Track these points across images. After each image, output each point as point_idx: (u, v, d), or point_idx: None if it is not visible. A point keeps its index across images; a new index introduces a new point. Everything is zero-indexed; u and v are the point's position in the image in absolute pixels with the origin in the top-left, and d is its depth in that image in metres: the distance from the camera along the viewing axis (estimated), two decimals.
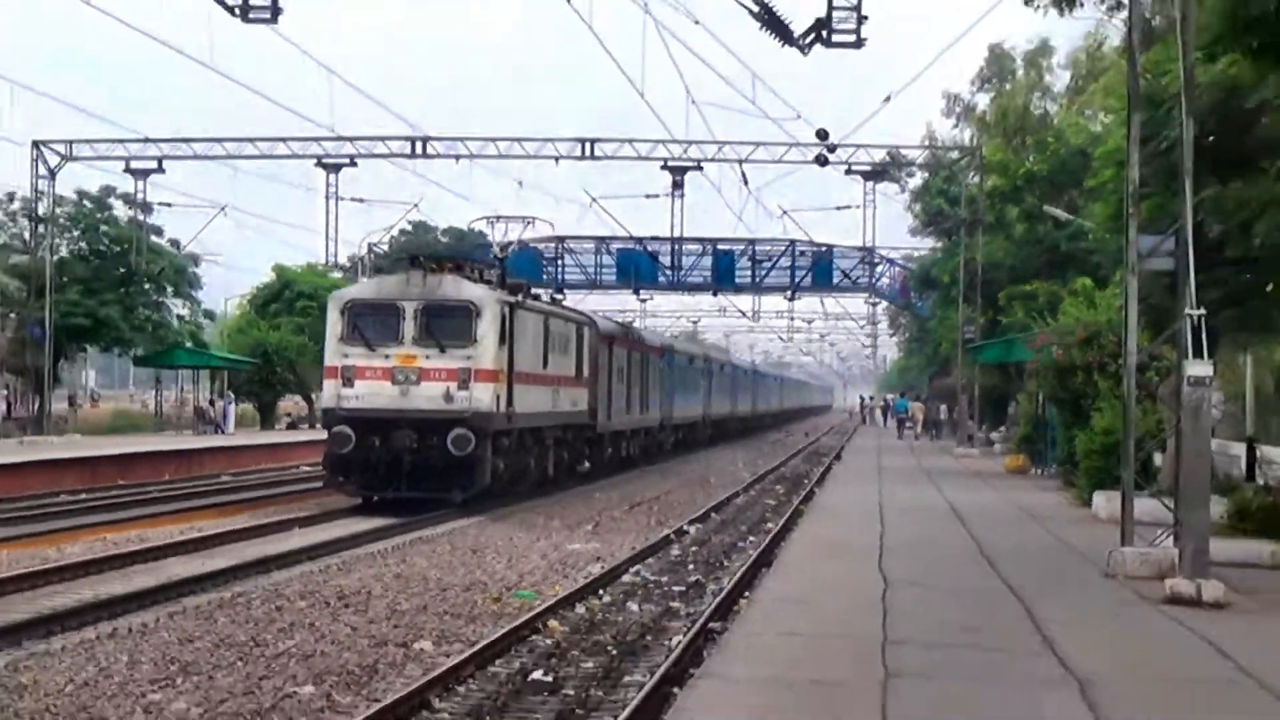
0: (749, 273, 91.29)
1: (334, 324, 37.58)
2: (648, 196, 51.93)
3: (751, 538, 37.53)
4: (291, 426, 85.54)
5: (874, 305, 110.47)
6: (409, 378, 35.88)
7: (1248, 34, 25.50)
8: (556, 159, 54.23)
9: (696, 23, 43.54)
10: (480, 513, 36.77)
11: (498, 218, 48.94)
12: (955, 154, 72.80)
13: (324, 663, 19.48)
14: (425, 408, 35.78)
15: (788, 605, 22.47)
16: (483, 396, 35.93)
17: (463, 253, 54.30)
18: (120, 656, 19.66)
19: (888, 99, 47.36)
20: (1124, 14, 34.06)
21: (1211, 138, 26.96)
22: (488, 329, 36.68)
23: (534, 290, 48.25)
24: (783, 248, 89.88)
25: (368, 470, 36.10)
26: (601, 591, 27.39)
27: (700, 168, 55.49)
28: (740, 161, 62.93)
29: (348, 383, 36.27)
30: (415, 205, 44.77)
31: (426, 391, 35.82)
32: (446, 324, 36.84)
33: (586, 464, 53.17)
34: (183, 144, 72.01)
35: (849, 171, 72.41)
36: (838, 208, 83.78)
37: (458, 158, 54.32)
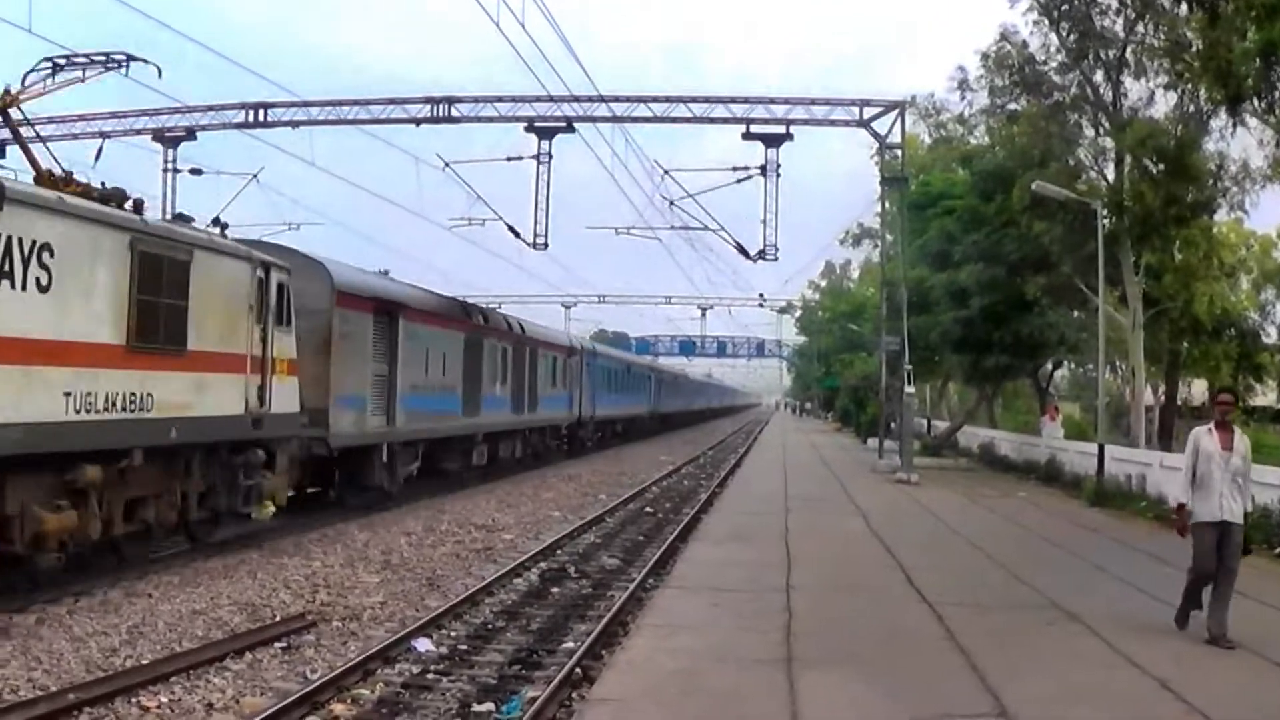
0: (731, 350, 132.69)
1: None
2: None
3: (734, 454, 52.77)
4: None
5: (782, 362, 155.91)
6: None
7: (924, 259, 40.60)
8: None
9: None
10: None
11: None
12: (814, 304, 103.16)
13: (561, 504, 29.74)
14: None
15: (744, 483, 34.72)
16: None
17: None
18: (481, 501, 29.12)
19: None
20: (878, 249, 50.94)
21: (914, 298, 39.16)
22: None
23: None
24: (745, 342, 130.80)
25: None
26: (673, 474, 39.68)
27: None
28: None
29: None
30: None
31: None
32: None
33: (269, 505, 21.37)
34: None
35: (780, 311, 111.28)
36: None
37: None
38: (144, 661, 11.79)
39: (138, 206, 16.86)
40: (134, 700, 10.52)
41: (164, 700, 10.61)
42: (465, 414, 32.32)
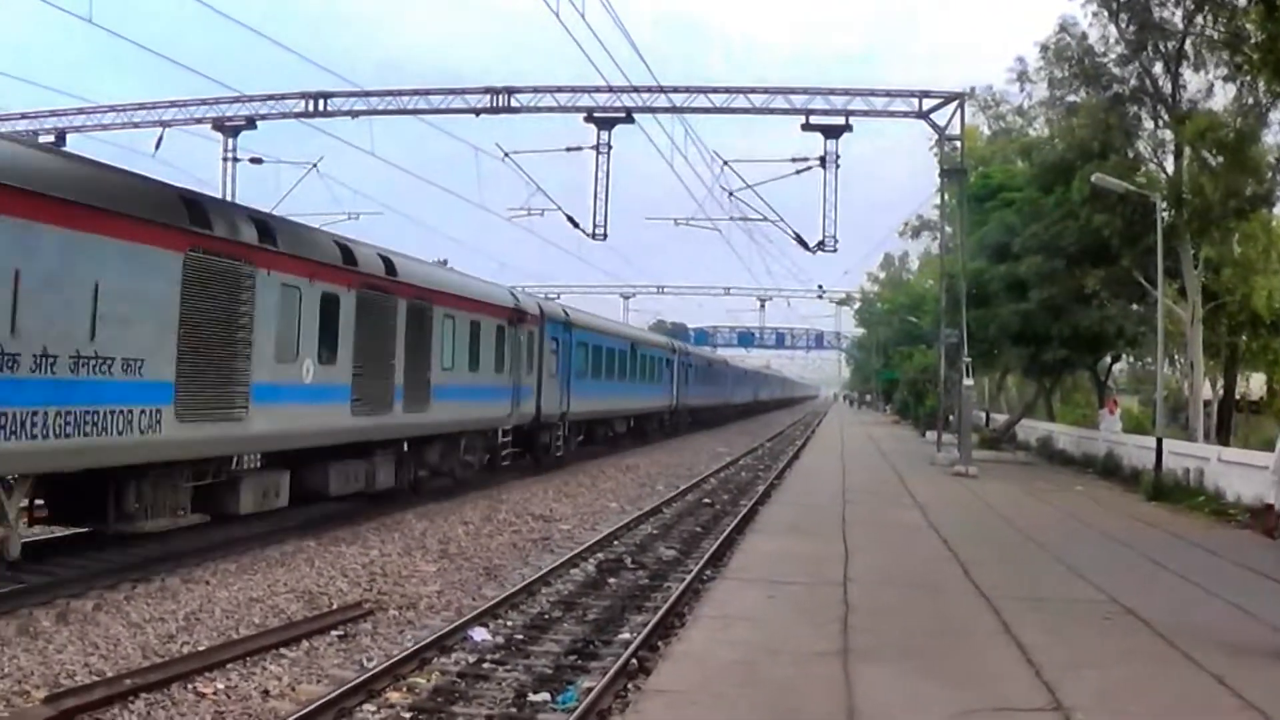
0: (790, 342, 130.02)
1: None
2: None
3: (793, 445, 52.37)
4: None
5: (841, 354, 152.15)
6: None
7: (984, 251, 40.01)
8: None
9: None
10: None
11: None
12: (873, 295, 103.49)
13: (620, 494, 29.67)
14: None
15: (802, 475, 34.40)
16: None
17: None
18: (540, 489, 29.02)
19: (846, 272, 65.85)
20: (937, 241, 50.39)
21: (973, 291, 39.02)
22: None
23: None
24: (803, 334, 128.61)
25: None
26: (730, 465, 39.49)
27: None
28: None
29: None
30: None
31: None
32: None
33: None
34: None
35: (839, 303, 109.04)
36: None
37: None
38: (201, 648, 11.78)
39: None
40: (190, 687, 10.50)
41: (220, 687, 10.58)
42: (187, 416, 15.63)
